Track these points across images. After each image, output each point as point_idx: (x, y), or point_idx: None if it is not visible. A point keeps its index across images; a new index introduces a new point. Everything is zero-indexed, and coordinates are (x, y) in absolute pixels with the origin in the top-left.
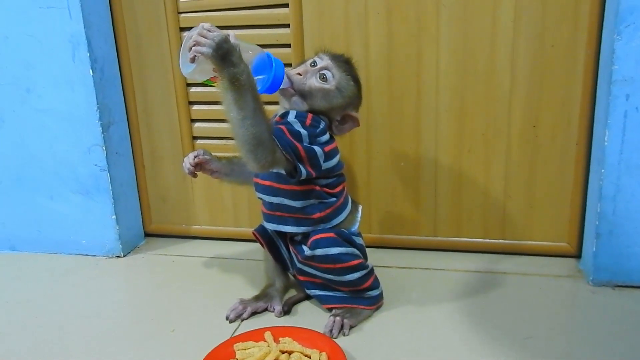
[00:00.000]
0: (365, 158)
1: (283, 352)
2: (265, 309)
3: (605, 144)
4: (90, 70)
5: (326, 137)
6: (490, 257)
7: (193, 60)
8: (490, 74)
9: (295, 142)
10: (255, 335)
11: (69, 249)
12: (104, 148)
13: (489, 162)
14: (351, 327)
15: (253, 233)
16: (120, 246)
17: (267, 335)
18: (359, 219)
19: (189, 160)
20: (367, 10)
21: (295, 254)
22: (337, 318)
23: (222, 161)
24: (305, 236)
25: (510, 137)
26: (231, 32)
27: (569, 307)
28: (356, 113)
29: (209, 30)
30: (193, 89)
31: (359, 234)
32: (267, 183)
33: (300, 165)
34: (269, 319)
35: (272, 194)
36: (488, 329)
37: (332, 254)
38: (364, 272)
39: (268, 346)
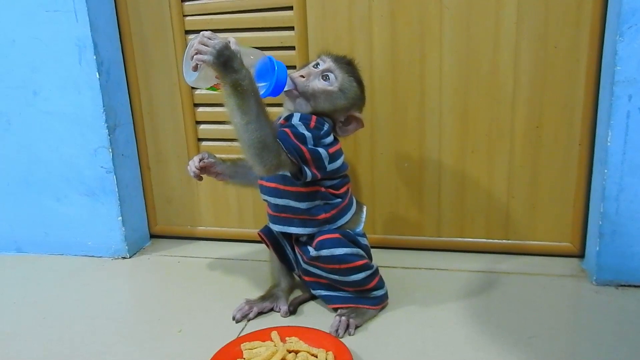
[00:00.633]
0: (369, 159)
1: (290, 352)
2: (271, 309)
3: (608, 144)
4: (97, 73)
5: (330, 138)
6: (494, 257)
7: (196, 68)
8: (493, 75)
9: (299, 144)
10: (262, 335)
11: (75, 250)
12: (110, 150)
13: (492, 162)
14: (357, 327)
15: (259, 234)
16: (126, 247)
17: (274, 334)
18: (363, 219)
19: (194, 163)
20: (371, 13)
21: (301, 255)
22: (343, 318)
23: (226, 163)
24: (311, 237)
25: (513, 138)
26: (232, 38)
27: (572, 306)
28: (360, 114)
29: (209, 38)
30: (198, 92)
31: (363, 235)
32: (273, 185)
33: (306, 168)
34: (274, 319)
35: (278, 195)
36: (492, 328)
37: (337, 255)
38: (369, 272)
39: (275, 346)
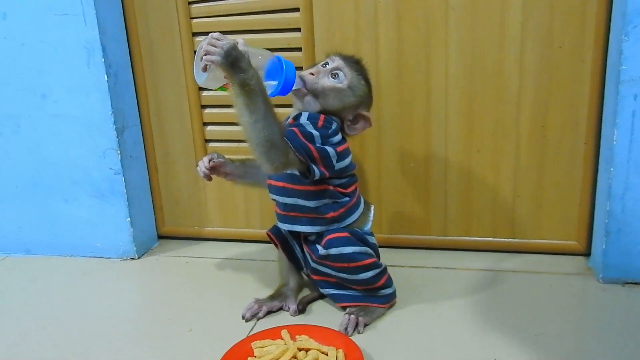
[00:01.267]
0: (375, 159)
1: (300, 350)
2: (280, 308)
3: (614, 143)
4: (105, 76)
5: (338, 137)
6: (500, 256)
7: (205, 69)
8: (498, 75)
9: (307, 143)
10: (272, 334)
11: (84, 251)
12: (118, 152)
13: (498, 162)
14: (366, 325)
15: (267, 234)
16: (135, 248)
17: (284, 333)
18: (371, 218)
19: (203, 164)
20: (377, 14)
21: (310, 254)
22: (352, 316)
23: (235, 163)
24: (319, 236)
25: (519, 138)
26: (240, 39)
27: (579, 304)
28: (368, 113)
29: (217, 39)
30: (205, 93)
31: (371, 234)
32: (281, 184)
33: (314, 166)
34: (284, 318)
35: (286, 194)
36: (500, 325)
37: (346, 253)
38: (377, 270)
39: (285, 344)
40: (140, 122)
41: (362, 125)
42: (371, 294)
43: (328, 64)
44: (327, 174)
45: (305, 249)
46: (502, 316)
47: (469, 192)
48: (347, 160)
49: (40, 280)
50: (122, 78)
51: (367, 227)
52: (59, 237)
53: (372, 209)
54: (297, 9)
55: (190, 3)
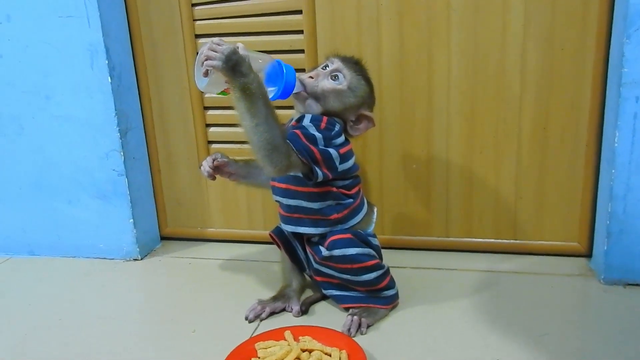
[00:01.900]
0: (377, 160)
1: (304, 351)
2: (283, 309)
3: (616, 145)
4: (109, 78)
5: (341, 139)
6: (502, 257)
7: (206, 74)
8: (500, 76)
9: (310, 145)
10: (276, 335)
11: (87, 252)
12: (121, 153)
13: (499, 163)
14: (368, 326)
15: (270, 235)
16: (138, 249)
17: (287, 334)
18: (374, 220)
19: (207, 163)
20: (379, 16)
21: (313, 255)
22: (355, 317)
23: (239, 164)
24: (323, 237)
25: (520, 139)
26: (240, 44)
27: (580, 305)
28: (370, 112)
29: (218, 44)
30: (208, 95)
31: (374, 235)
32: (284, 186)
33: (317, 168)
34: (287, 319)
35: (290, 196)
36: (502, 326)
37: (349, 255)
38: (380, 272)
39: (289, 345)
40: (143, 124)
41: (365, 126)
42: (374, 295)
43: (328, 66)
44: (330, 175)
45: (308, 250)
46: (504, 317)
47: (470, 193)
48: (351, 162)
49: (43, 281)
50: (126, 80)
51: (371, 228)
52: (63, 238)
53: (375, 210)
54: (299, 12)
55: (193, 5)
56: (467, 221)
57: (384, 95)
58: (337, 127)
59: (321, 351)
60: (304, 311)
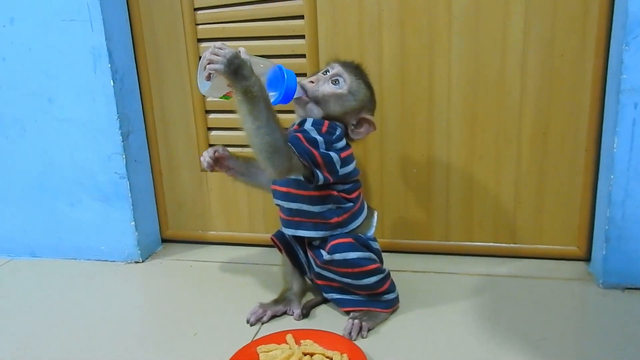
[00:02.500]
0: (378, 165)
1: (305, 354)
2: (284, 313)
3: (614, 150)
4: (111, 81)
5: (342, 143)
6: (502, 261)
7: (209, 78)
8: (500, 82)
9: (311, 149)
10: (277, 338)
11: (89, 254)
12: (123, 156)
13: (499, 168)
14: (369, 330)
15: (271, 238)
16: (139, 252)
17: (289, 337)
18: (374, 224)
19: (208, 154)
20: (381, 22)
21: (314, 259)
22: (356, 321)
23: (239, 160)
24: (323, 241)
25: (520, 144)
26: (242, 48)
27: (579, 309)
28: (371, 116)
29: (220, 49)
30: (209, 98)
31: (375, 239)
32: (285, 189)
33: (318, 171)
34: (288, 323)
35: (291, 200)
36: (501, 330)
37: (350, 259)
38: (380, 276)
39: (290, 348)
40: (145, 127)
41: (366, 129)
42: (374, 298)
43: (328, 71)
44: (331, 179)
45: (309, 253)
46: (503, 321)
47: (470, 198)
48: (351, 166)
49: (45, 283)
50: (128, 83)
51: (371, 232)
52: (64, 240)
53: (375, 214)
54: (301, 17)
55: (196, 9)
56: (467, 225)
57: (385, 101)
58: (338, 131)
59: (322, 355)
60: (305, 314)
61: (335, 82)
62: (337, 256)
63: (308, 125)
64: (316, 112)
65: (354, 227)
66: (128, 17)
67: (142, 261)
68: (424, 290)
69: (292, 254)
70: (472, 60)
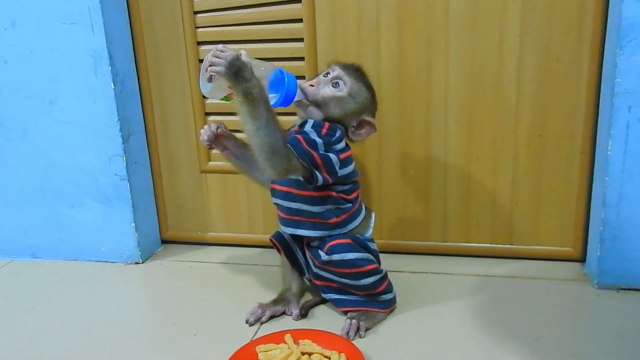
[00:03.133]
0: (376, 166)
1: (304, 354)
2: (283, 313)
3: (609, 153)
4: (112, 84)
5: (342, 145)
6: (498, 262)
7: (210, 79)
8: (497, 85)
9: (311, 150)
10: (276, 338)
11: (89, 256)
12: (124, 158)
13: (496, 170)
14: (367, 330)
15: (270, 239)
16: (139, 253)
17: (288, 337)
18: (372, 225)
19: (210, 128)
20: (379, 25)
21: (312, 259)
22: (354, 321)
23: (238, 142)
24: (322, 241)
25: (517, 146)
26: (243, 51)
27: (575, 309)
28: (372, 118)
29: (221, 51)
30: (209, 101)
31: (372, 240)
32: (286, 189)
33: (317, 172)
34: (286, 323)
35: (291, 199)
36: (498, 330)
37: (348, 259)
38: (378, 276)
39: (289, 348)
40: (146, 129)
41: (367, 131)
42: (372, 299)
43: (329, 74)
44: (330, 180)
45: (308, 254)
46: (499, 321)
47: (468, 199)
48: (350, 168)
49: (46, 285)
50: (128, 86)
51: (369, 233)
52: (65, 241)
53: (373, 215)
54: (300, 20)
55: (195, 13)
56: (464, 226)
57: (383, 103)
58: (338, 133)
59: (321, 354)
60: (303, 315)
61: (335, 84)
62: (336, 257)
63: (308, 127)
64: (317, 114)
65: (352, 227)
66: (128, 20)
67: (142, 262)
68: (421, 291)
69: (291, 254)
70: (469, 63)
